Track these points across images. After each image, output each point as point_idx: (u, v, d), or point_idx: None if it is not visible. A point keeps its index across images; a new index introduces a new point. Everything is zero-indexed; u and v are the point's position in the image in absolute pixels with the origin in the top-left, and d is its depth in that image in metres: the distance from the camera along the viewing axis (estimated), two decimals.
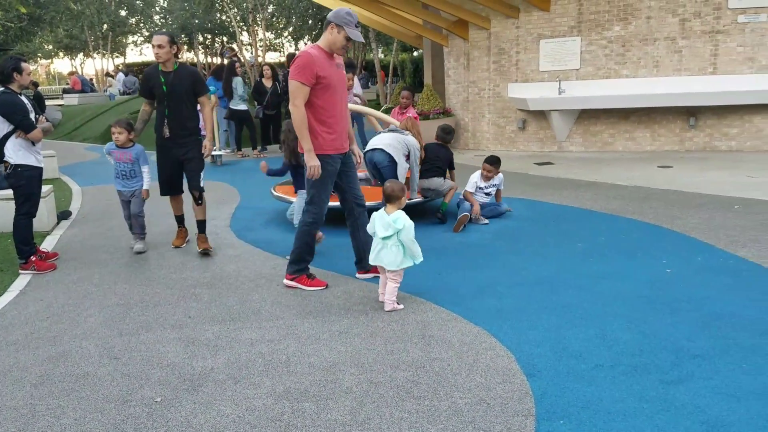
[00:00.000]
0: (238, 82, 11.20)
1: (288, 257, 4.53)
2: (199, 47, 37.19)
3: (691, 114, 9.67)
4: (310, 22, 28.02)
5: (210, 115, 5.51)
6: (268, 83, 11.48)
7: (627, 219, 5.95)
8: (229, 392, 2.97)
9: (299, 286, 4.39)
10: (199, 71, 5.97)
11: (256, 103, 11.79)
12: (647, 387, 2.82)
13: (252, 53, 27.08)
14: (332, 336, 3.56)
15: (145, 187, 5.48)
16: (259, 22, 27.04)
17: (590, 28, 10.00)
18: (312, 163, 4.09)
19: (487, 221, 6.06)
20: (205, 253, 5.30)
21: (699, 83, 9.48)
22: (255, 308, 4.06)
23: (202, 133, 5.63)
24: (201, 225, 5.42)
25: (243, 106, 11.33)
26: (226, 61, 12.13)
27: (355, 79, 9.38)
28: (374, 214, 4.02)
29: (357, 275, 4.61)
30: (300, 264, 4.40)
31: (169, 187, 5.48)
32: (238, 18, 30.33)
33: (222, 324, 3.82)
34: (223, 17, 32.83)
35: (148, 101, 5.39)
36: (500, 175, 6.34)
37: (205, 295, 4.34)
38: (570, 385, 2.87)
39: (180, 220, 5.75)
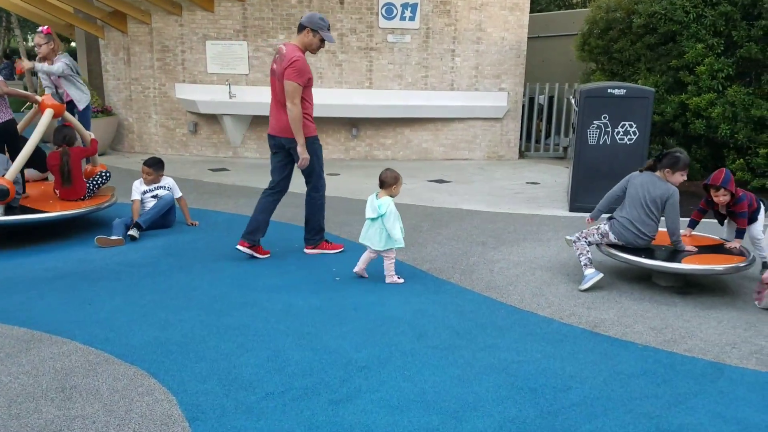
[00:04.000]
0: None
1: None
2: None
3: (353, 125, 10.40)
4: None
5: None
6: None
7: (301, 227, 5.96)
8: None
9: (324, 251, 5.15)
10: None
11: None
12: (317, 411, 2.70)
13: None
14: None
15: None
16: None
17: (256, 34, 10.00)
18: (305, 155, 4.79)
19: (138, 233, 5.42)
20: None
21: (358, 96, 10.25)
22: None
23: None
24: None
25: None
26: None
27: None
28: (370, 197, 4.46)
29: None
30: (321, 233, 5.17)
31: None
32: None
33: None
34: None
35: None
36: (170, 179, 5.88)
37: None
38: (239, 423, 2.58)
39: None
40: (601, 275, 4.30)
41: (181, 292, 4.15)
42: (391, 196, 4.41)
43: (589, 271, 4.33)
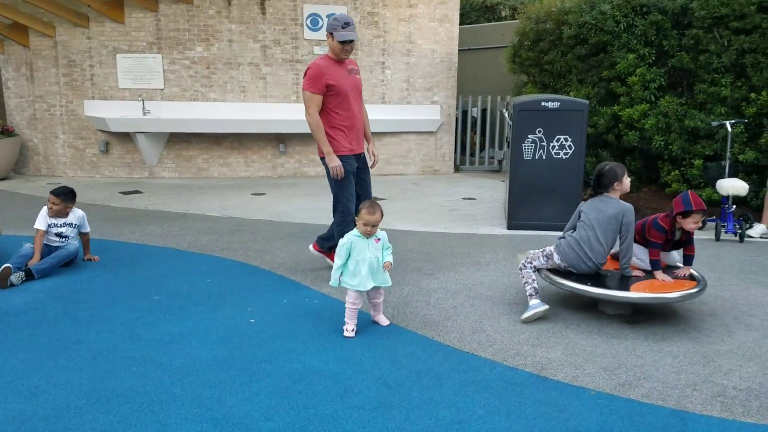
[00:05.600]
0: None
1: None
2: None
3: (280, 141, 9.83)
4: None
5: None
6: None
7: (216, 258, 5.39)
8: None
9: (326, 258, 4.87)
10: None
11: None
12: None
13: None
14: None
15: None
16: None
17: (171, 47, 9.31)
18: (333, 164, 4.42)
19: (21, 279, 4.59)
20: None
21: (285, 111, 9.70)
22: None
23: None
24: None
25: None
26: None
27: None
28: None
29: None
30: (330, 242, 4.78)
31: None
32: None
33: None
34: None
35: None
36: (80, 213, 5.16)
37: None
38: None
39: None
40: (545, 307, 3.91)
41: (62, 348, 3.49)
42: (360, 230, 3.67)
43: (533, 301, 3.94)
